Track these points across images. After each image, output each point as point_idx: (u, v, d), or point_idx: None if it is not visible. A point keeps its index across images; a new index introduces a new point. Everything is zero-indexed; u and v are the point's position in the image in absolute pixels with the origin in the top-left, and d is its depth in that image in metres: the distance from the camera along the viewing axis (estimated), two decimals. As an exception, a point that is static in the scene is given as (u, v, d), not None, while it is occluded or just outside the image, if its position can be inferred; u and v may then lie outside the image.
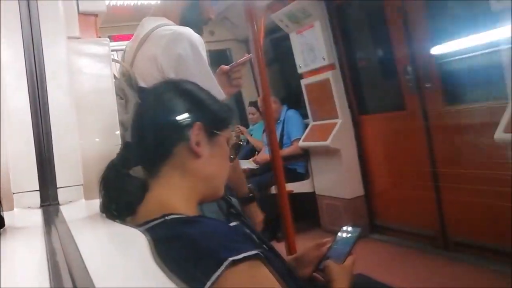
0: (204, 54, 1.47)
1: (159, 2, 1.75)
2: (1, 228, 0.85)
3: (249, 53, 2.15)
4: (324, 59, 3.95)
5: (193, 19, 1.65)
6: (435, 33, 3.09)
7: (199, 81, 1.11)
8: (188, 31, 1.48)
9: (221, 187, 1.06)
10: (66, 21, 1.14)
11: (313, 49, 4.03)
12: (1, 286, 0.58)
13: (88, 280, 0.51)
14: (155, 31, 1.52)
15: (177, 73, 1.41)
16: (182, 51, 1.42)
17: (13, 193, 1.02)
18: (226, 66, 1.68)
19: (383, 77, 3.94)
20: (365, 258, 2.06)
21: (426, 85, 3.17)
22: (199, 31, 1.57)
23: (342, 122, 3.93)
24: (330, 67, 3.96)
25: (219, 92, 1.45)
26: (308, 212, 4.35)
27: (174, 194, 0.96)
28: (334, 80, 3.93)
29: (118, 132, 1.19)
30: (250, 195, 1.70)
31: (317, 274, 1.22)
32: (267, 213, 1.76)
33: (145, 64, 1.48)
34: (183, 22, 1.61)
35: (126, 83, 1.48)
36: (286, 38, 4.41)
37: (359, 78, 3.98)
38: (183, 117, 0.98)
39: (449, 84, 3.09)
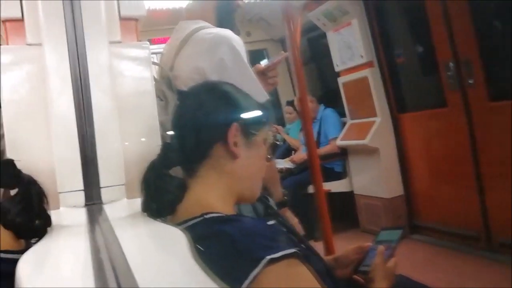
0: (245, 56, 1.46)
1: (191, 4, 1.73)
2: (48, 226, 0.89)
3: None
4: (362, 56, 3.89)
5: (227, 14, 1.65)
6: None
7: (242, 84, 1.11)
8: (229, 33, 1.47)
9: (258, 188, 1.07)
10: (108, 26, 1.17)
11: (350, 47, 3.98)
12: (48, 281, 0.61)
13: (130, 276, 0.52)
14: (195, 34, 1.50)
15: (219, 77, 1.39)
16: (224, 55, 1.41)
17: (59, 193, 1.06)
18: (262, 66, 1.68)
19: (423, 74, 3.84)
20: (405, 259, 2.02)
21: (469, 81, 3.07)
22: (233, 27, 1.57)
23: (380, 120, 3.87)
24: (368, 64, 3.90)
25: (262, 94, 1.44)
26: (346, 211, 4.31)
27: (212, 193, 0.97)
28: (372, 77, 3.87)
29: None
30: (285, 197, 1.69)
31: (356, 275, 1.21)
32: (305, 213, 1.75)
33: (186, 68, 1.47)
34: (220, 21, 1.61)
35: (166, 85, 1.50)
36: (323, 36, 4.37)
37: (398, 76, 3.90)
38: (220, 118, 0.99)
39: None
